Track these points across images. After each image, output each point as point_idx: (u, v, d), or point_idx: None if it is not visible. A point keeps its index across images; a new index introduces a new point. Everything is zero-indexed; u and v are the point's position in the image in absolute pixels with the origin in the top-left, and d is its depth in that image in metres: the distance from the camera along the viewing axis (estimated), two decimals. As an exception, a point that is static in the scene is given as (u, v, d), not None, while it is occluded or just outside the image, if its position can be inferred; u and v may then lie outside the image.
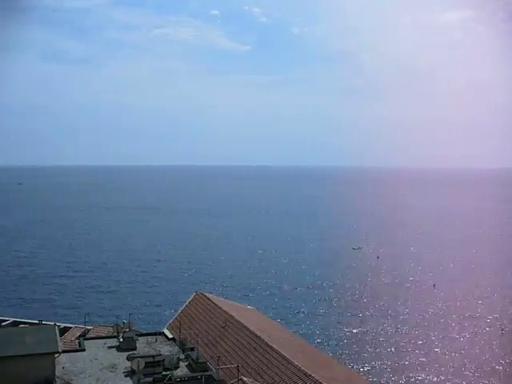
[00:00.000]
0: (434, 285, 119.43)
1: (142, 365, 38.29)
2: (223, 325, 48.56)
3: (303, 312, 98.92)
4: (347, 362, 73.53)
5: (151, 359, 39.86)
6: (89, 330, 55.02)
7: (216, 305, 54.87)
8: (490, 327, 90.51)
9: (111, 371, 39.92)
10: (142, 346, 45.88)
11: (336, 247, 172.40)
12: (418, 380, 69.04)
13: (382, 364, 74.10)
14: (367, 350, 79.63)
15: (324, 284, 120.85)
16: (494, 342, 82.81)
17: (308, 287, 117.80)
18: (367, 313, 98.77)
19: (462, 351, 79.09)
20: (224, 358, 41.07)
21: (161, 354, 41.85)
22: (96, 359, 42.44)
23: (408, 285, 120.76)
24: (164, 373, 38.28)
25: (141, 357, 40.06)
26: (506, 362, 74.69)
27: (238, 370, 35.36)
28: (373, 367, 72.95)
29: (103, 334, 51.20)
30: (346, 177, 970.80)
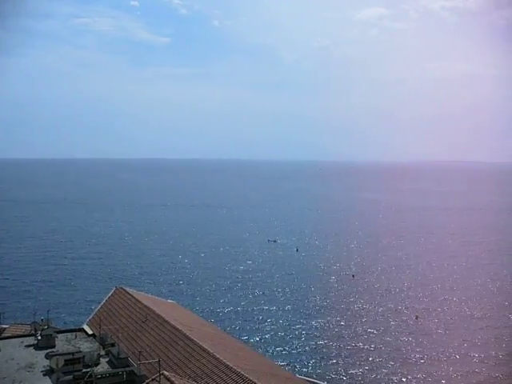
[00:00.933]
0: (353, 276, 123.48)
1: (62, 363, 37.74)
2: (144, 319, 48.50)
3: (224, 305, 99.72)
4: (269, 353, 75.08)
5: (71, 356, 39.26)
6: (4, 328, 53.48)
7: (136, 299, 54.65)
8: (404, 315, 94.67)
9: (28, 371, 38.99)
10: (61, 343, 45.13)
11: (252, 240, 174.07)
12: (334, 368, 71.47)
13: (301, 354, 76.15)
14: (288, 341, 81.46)
15: (243, 277, 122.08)
16: (407, 329, 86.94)
17: (228, 280, 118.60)
18: (288, 305, 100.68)
19: (378, 339, 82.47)
20: (145, 353, 41.09)
21: (81, 351, 41.30)
22: (12, 359, 41.29)
23: (327, 276, 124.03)
24: (84, 370, 37.85)
25: (60, 354, 39.44)
26: (416, 348, 78.70)
27: (160, 365, 35.55)
28: (293, 357, 74.81)
29: (20, 333, 49.91)
30: (270, 170, 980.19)
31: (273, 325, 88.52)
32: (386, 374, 69.46)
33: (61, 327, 53.52)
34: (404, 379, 67.73)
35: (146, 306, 51.59)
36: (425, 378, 68.21)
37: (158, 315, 48.60)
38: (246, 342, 76.26)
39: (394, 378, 67.99)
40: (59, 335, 46.70)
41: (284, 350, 77.63)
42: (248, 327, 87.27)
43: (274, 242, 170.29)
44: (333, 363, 72.61)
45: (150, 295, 65.14)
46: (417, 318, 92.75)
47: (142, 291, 68.23)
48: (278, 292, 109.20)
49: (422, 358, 74.53)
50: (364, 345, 79.64)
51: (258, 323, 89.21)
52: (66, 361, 38.22)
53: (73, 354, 40.00)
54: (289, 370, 64.94)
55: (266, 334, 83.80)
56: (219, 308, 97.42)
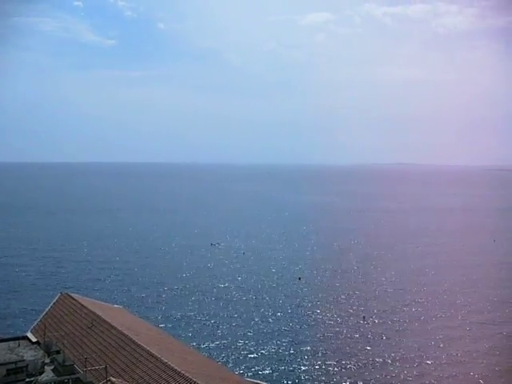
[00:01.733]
0: (300, 278, 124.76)
1: (3, 373, 36.76)
2: (90, 325, 47.79)
3: (170, 309, 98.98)
4: (217, 357, 75.02)
5: (13, 366, 38.27)
6: None
7: (82, 305, 53.77)
8: (352, 316, 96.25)
9: (-32, 382, 37.85)
10: (3, 352, 43.90)
11: (196, 243, 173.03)
12: (283, 370, 72.07)
13: (250, 357, 76.41)
14: (236, 344, 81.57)
15: (188, 281, 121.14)
16: (355, 330, 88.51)
17: (174, 285, 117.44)
18: (236, 308, 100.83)
19: (326, 340, 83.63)
20: (92, 360, 40.55)
21: (24, 360, 40.32)
22: (-49, 370, 39.95)
23: (274, 279, 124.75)
24: (28, 379, 37.03)
25: (1, 364, 38.45)
26: (365, 348, 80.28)
27: (107, 371, 35.22)
28: (242, 361, 75.01)
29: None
30: (220, 174, 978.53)
31: (221, 328, 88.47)
32: (335, 374, 70.54)
33: (2, 336, 51.90)
34: (353, 379, 68.96)
35: (92, 312, 50.86)
36: (375, 378, 69.55)
37: (105, 321, 47.99)
38: (195, 346, 75.99)
39: (345, 379, 69.14)
40: (1, 344, 45.43)
41: (233, 353, 77.67)
42: (196, 331, 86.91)
43: (217, 245, 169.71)
44: (281, 365, 73.14)
45: (96, 301, 64.11)
46: (364, 318, 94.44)
47: (88, 297, 67.09)
48: (226, 296, 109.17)
49: (370, 358, 75.99)
50: (312, 346, 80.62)
51: (206, 327, 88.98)
52: (8, 370, 37.24)
53: (15, 363, 39.03)
54: (238, 373, 65.05)
55: (214, 338, 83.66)
56: (166, 313, 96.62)
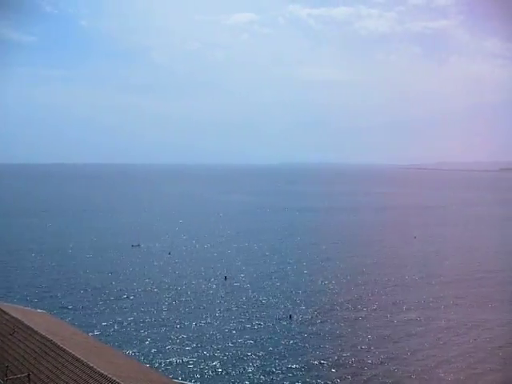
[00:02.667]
0: (226, 277, 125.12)
1: None
2: (11, 332, 46.04)
3: (96, 312, 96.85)
4: (146, 359, 74.11)
5: None
6: None
7: (2, 311, 51.70)
8: (277, 314, 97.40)
9: None
10: None
11: (116, 245, 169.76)
12: (211, 370, 72.11)
13: (179, 358, 76.02)
14: (164, 345, 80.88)
15: (111, 284, 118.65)
16: (281, 328, 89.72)
17: (97, 288, 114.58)
18: (163, 310, 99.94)
19: (252, 338, 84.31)
20: (13, 368, 39.08)
21: None
22: None
23: (201, 278, 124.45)
24: None
25: None
26: (291, 348, 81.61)
27: (29, 379, 34.09)
28: (171, 362, 74.50)
29: None
30: (147, 174, 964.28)
31: (148, 330, 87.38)
32: (263, 373, 71.34)
33: None
34: (276, 378, 69.93)
35: (13, 318, 48.96)
36: (302, 380, 70.78)
37: (27, 326, 46.34)
38: (122, 349, 74.66)
39: (269, 378, 69.99)
40: None
41: (161, 354, 76.97)
42: (123, 334, 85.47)
43: (138, 246, 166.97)
44: (209, 366, 73.17)
45: (17, 306, 61.70)
46: (290, 317, 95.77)
47: (7, 302, 64.45)
48: (152, 297, 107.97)
49: (295, 359, 77.27)
50: (240, 347, 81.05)
51: (132, 331, 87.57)
52: None
53: None
54: (167, 374, 64.49)
55: (140, 341, 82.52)
56: (91, 316, 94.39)
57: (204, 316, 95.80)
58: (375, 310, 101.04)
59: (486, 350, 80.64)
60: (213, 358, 76.14)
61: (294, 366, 73.24)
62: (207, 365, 73.44)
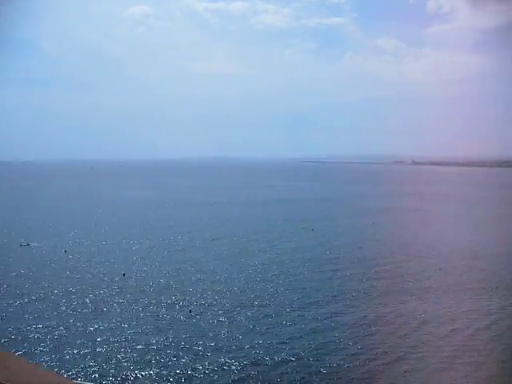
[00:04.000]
0: (124, 274, 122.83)
1: None
2: None
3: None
4: (44, 360, 71.34)
5: None
6: None
7: None
8: (177, 310, 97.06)
9: None
10: None
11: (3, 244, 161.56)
12: (111, 369, 70.64)
13: (76, 358, 73.84)
14: (60, 345, 78.27)
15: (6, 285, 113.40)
16: (181, 324, 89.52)
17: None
18: (60, 309, 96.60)
19: (152, 335, 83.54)
20: None
21: None
22: None
23: (99, 276, 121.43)
24: None
25: None
26: (190, 341, 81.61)
27: None
28: (68, 362, 72.24)
29: None
30: (36, 170, 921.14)
31: (43, 330, 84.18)
32: (163, 368, 70.94)
33: None
34: (174, 372, 69.84)
35: None
36: (199, 371, 70.98)
37: None
38: (15, 353, 71.25)
39: (170, 374, 69.72)
40: None
41: (58, 356, 74.40)
42: (15, 335, 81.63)
43: (27, 245, 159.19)
44: (110, 365, 71.80)
45: None
46: (190, 312, 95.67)
47: None
48: (48, 296, 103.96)
49: (195, 351, 77.51)
50: (138, 342, 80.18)
51: (27, 331, 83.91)
52: None
53: None
54: (66, 376, 62.33)
55: (37, 343, 79.25)
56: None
57: (102, 314, 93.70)
58: (267, 305, 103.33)
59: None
60: (111, 356, 74.79)
61: (190, 362, 73.46)
62: (107, 364, 71.97)
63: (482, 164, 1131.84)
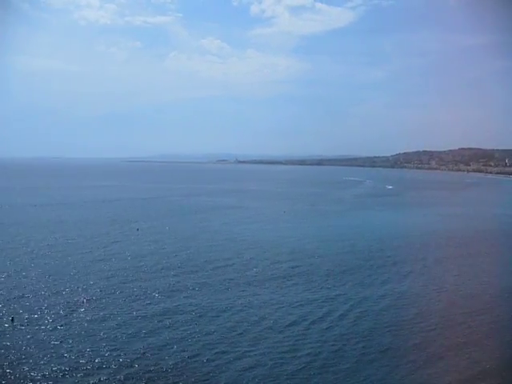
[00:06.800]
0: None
1: None
2: None
3: None
4: None
5: None
6: None
7: None
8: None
9: None
10: None
11: None
12: None
13: None
14: None
15: None
16: (2, 333, 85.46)
17: None
18: None
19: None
20: None
21: None
22: None
23: None
24: None
25: None
26: (12, 352, 78.51)
27: None
28: None
29: None
30: None
31: None
32: None
33: None
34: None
35: None
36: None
37: None
38: None
39: None
40: None
41: None
42: None
43: None
44: None
45: None
46: (13, 320, 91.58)
47: None
48: None
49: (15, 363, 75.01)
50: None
51: None
52: None
53: None
54: None
55: None
56: None
57: None
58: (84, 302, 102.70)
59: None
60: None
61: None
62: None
63: (301, 163, 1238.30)
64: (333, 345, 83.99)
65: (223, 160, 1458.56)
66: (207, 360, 77.50)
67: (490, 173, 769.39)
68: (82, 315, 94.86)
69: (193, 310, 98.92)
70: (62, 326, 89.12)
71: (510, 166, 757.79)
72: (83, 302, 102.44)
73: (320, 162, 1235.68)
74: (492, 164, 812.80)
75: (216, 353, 79.91)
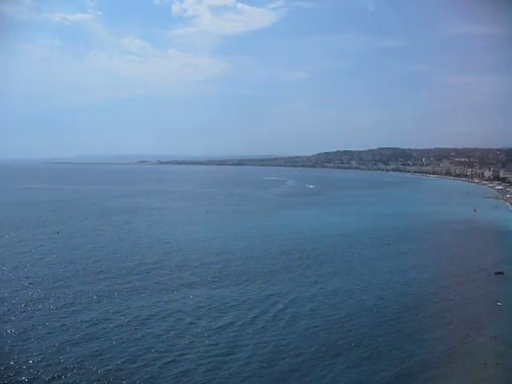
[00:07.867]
0: None
1: None
2: None
3: None
4: None
5: None
6: None
7: None
8: None
9: None
10: None
11: None
12: None
13: None
14: None
15: None
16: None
17: None
18: None
19: None
20: None
21: None
22: None
23: None
24: None
25: None
26: None
27: None
28: None
29: None
30: None
31: None
32: None
33: None
34: None
35: None
36: None
37: None
38: None
39: None
40: None
41: None
42: None
43: None
44: None
45: None
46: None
47: None
48: None
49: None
50: None
51: None
52: None
53: None
54: None
55: None
56: None
57: None
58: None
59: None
60: None
61: None
62: None
63: (222, 163, 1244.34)
64: (268, 345, 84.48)
65: (144, 161, 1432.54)
66: (143, 365, 75.93)
67: (408, 172, 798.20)
68: (7, 326, 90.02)
69: (123, 316, 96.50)
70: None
71: (426, 165, 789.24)
72: (5, 313, 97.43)
73: (241, 162, 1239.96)
74: (410, 163, 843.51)
75: (150, 358, 78.45)
